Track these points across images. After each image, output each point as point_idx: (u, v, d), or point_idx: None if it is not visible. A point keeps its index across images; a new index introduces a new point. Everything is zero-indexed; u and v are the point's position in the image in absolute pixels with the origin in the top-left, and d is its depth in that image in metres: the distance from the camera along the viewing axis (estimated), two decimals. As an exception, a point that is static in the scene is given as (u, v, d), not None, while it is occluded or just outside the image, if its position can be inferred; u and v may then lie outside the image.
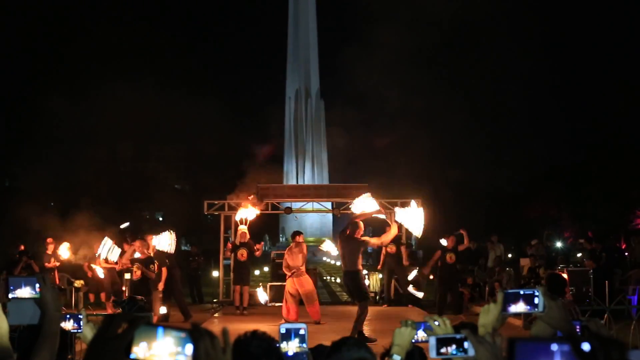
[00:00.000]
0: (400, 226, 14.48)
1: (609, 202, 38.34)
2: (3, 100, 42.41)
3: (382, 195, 23.18)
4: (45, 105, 38.85)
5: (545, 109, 51.21)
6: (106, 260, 17.91)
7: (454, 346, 2.75)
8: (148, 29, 47.13)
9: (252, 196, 19.99)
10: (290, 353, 3.35)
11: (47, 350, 2.92)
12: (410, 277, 20.30)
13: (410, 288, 19.71)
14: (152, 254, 16.03)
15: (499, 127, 50.56)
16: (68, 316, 3.76)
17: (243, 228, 18.43)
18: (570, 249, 34.51)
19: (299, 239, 16.78)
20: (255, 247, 18.50)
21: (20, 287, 3.04)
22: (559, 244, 36.03)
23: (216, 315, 18.70)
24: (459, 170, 47.87)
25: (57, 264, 19.31)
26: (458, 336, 2.74)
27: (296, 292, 16.14)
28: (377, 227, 20.46)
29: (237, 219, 19.22)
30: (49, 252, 19.37)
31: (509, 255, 24.22)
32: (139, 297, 14.71)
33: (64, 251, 19.10)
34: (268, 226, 34.67)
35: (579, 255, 25.69)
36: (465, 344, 2.71)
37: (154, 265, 15.63)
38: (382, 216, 14.57)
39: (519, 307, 2.96)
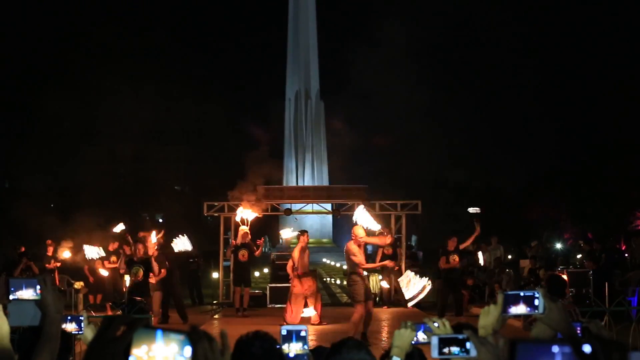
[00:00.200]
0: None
1: (609, 203, 38.34)
2: (3, 101, 42.47)
3: (382, 197, 23.22)
4: (46, 106, 38.85)
5: (545, 110, 51.22)
6: (108, 261, 17.98)
7: (456, 346, 2.74)
8: (147, 30, 47.20)
9: (253, 198, 19.96)
10: (291, 355, 3.35)
11: (47, 352, 2.92)
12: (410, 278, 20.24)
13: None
14: (154, 254, 16.06)
15: (499, 128, 50.61)
16: (69, 318, 3.76)
17: (245, 228, 18.44)
18: (570, 250, 34.49)
19: (306, 238, 16.64)
20: (257, 243, 18.57)
21: (21, 288, 3.03)
22: (558, 246, 36.01)
23: (216, 316, 18.70)
24: (459, 171, 47.89)
25: (58, 264, 19.31)
26: (460, 336, 2.74)
27: (302, 293, 16.08)
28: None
29: (237, 220, 19.23)
30: (49, 253, 19.37)
31: (509, 257, 24.20)
32: (139, 298, 14.73)
33: (65, 252, 19.11)
34: (268, 227, 34.63)
35: (579, 256, 25.68)
36: (468, 345, 2.71)
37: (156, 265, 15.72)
38: (378, 227, 14.56)
39: (519, 308, 2.95)
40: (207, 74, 50.03)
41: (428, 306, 20.18)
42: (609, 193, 38.67)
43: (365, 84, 41.86)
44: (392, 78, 42.08)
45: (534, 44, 53.10)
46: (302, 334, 3.38)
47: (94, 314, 13.22)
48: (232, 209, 20.74)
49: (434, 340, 2.79)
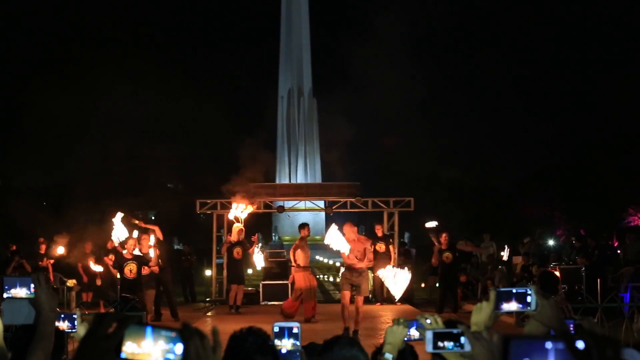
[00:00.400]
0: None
1: (602, 199, 38.42)
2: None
3: (374, 194, 23.24)
4: (37, 103, 38.72)
5: (538, 107, 51.32)
6: (108, 257, 17.93)
7: (450, 341, 2.75)
8: (139, 28, 47.09)
9: (246, 194, 19.93)
10: (283, 351, 3.35)
11: (41, 351, 2.91)
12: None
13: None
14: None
15: (492, 125, 50.67)
16: (62, 316, 3.75)
17: (239, 226, 18.44)
18: (562, 246, 34.56)
19: (306, 232, 16.44)
20: (251, 239, 18.63)
21: (15, 287, 3.02)
22: (551, 242, 36.08)
23: (209, 314, 18.69)
24: (452, 168, 47.95)
25: (51, 260, 19.27)
26: (455, 331, 2.74)
27: (303, 287, 16.10)
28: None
29: (230, 217, 19.19)
30: (42, 251, 19.32)
31: (502, 254, 24.15)
32: (130, 296, 14.68)
33: (58, 248, 19.04)
34: (260, 225, 34.60)
35: (572, 252, 25.75)
36: (462, 339, 2.71)
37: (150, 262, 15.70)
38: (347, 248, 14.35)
39: (512, 305, 2.96)
40: (201, 72, 49.95)
41: (421, 302, 20.22)
42: (602, 189, 38.75)
43: (358, 81, 41.95)
44: (385, 75, 42.10)
45: (527, 40, 53.20)
46: (295, 330, 3.38)
47: (87, 312, 13.19)
48: (225, 207, 20.72)
49: (429, 335, 2.79)
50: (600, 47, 49.59)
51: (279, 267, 21.52)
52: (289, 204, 23.41)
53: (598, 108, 45.81)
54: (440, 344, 2.76)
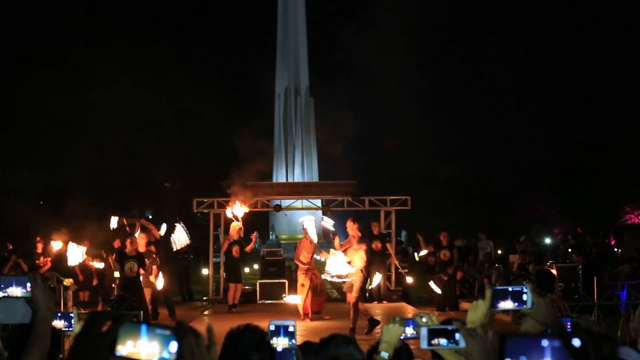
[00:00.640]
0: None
1: (599, 198, 38.47)
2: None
3: (372, 193, 23.24)
4: (33, 102, 38.68)
5: (535, 105, 51.30)
6: (111, 256, 17.91)
7: (445, 338, 2.75)
8: (134, 28, 47.03)
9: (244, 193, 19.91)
10: (279, 349, 3.35)
11: (38, 350, 2.91)
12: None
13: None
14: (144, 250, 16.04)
15: (489, 123, 50.63)
16: (59, 315, 3.75)
17: (239, 224, 18.44)
18: (559, 245, 34.62)
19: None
20: (250, 237, 18.66)
21: (11, 285, 3.02)
22: (547, 240, 36.14)
23: (206, 313, 18.68)
24: (449, 167, 47.93)
25: (48, 258, 19.24)
26: (450, 327, 2.75)
27: (306, 285, 16.19)
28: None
29: (229, 216, 19.16)
30: (38, 250, 19.30)
31: (499, 252, 24.28)
32: (129, 295, 14.66)
33: (56, 244, 19.00)
34: (257, 224, 34.62)
35: (570, 250, 25.80)
36: (457, 336, 2.71)
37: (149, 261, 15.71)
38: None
39: (507, 304, 2.96)
40: (197, 70, 49.87)
41: (417, 301, 20.22)
42: (599, 188, 38.80)
43: (355, 79, 41.87)
44: (383, 73, 42.13)
45: (525, 38, 53.17)
46: (290, 329, 3.38)
47: (83, 311, 13.18)
48: (222, 206, 20.71)
49: (423, 332, 2.79)
50: (598, 46, 49.59)
51: (276, 266, 21.51)
52: (285, 202, 23.42)
53: (595, 107, 45.79)
54: (434, 340, 2.77)
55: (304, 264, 16.18)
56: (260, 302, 19.86)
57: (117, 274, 17.34)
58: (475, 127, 51.04)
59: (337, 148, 31.23)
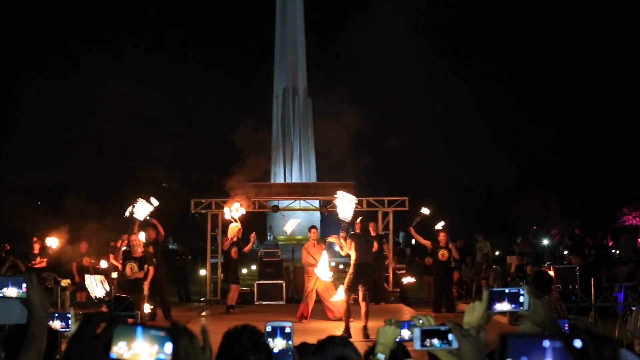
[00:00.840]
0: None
1: (597, 199, 38.51)
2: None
3: (370, 194, 23.23)
4: (30, 101, 38.63)
5: (532, 107, 51.41)
6: (114, 256, 17.89)
7: (438, 338, 2.75)
8: (133, 29, 47.01)
9: (238, 196, 19.89)
10: (275, 350, 3.34)
11: (34, 351, 2.90)
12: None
13: None
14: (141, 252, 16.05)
15: (488, 124, 50.70)
16: (56, 315, 3.74)
17: (238, 225, 18.42)
18: (556, 246, 34.65)
19: (314, 235, 16.67)
20: (249, 238, 18.67)
21: (7, 286, 3.00)
22: (545, 242, 36.18)
23: (204, 314, 18.66)
24: (447, 168, 48.00)
25: (45, 258, 19.23)
26: (442, 328, 2.75)
27: (312, 288, 16.19)
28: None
29: (227, 217, 19.12)
30: (35, 251, 19.27)
31: (497, 253, 24.25)
32: (126, 295, 14.67)
33: (53, 242, 18.98)
34: (255, 224, 34.63)
35: (566, 252, 25.82)
36: (449, 336, 2.71)
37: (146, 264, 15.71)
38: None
39: (504, 305, 2.95)
40: (196, 71, 49.87)
41: (414, 302, 20.23)
42: (597, 189, 38.84)
43: (353, 80, 41.88)
44: (382, 74, 42.13)
45: (525, 39, 53.28)
46: (287, 330, 3.37)
47: (80, 312, 13.16)
48: (220, 206, 20.69)
49: (416, 332, 2.79)
50: (596, 47, 49.67)
51: (274, 267, 21.49)
52: (283, 203, 23.40)
53: (593, 108, 45.87)
54: (427, 341, 2.77)
55: (310, 265, 16.18)
56: (257, 303, 19.85)
57: (114, 275, 17.36)
58: (474, 128, 51.11)
59: (335, 149, 31.21)
